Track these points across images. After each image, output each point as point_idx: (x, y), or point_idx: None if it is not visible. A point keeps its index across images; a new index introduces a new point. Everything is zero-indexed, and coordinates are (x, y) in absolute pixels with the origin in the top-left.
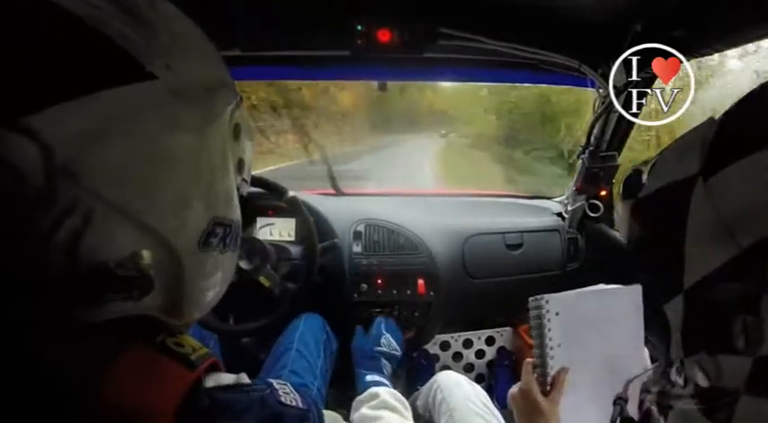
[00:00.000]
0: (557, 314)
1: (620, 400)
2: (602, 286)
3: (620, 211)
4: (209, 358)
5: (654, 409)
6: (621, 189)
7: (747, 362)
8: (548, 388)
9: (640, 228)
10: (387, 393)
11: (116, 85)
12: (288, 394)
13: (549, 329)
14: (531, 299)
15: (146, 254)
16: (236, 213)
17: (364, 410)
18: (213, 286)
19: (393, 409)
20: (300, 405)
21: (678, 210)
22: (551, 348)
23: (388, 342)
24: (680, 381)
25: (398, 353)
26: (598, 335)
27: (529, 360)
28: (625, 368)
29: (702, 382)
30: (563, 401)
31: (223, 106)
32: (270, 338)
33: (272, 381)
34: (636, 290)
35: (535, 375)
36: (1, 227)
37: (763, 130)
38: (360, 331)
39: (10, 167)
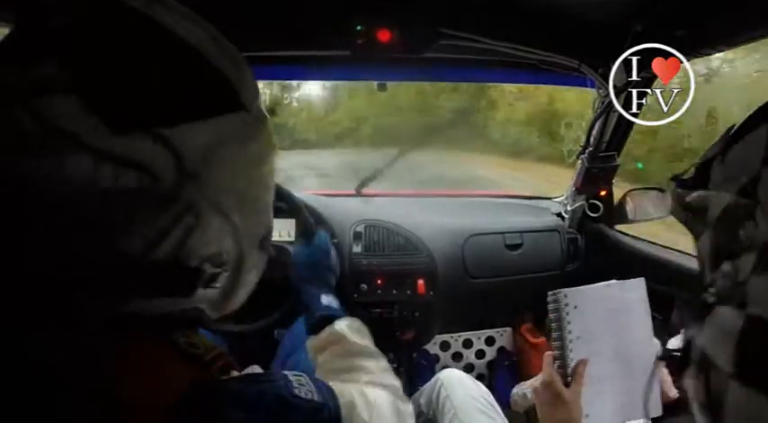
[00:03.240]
0: (575, 308)
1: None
2: (612, 281)
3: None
4: (223, 359)
5: (695, 334)
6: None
7: (753, 256)
8: (568, 380)
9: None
10: (350, 330)
11: (227, 112)
12: (303, 386)
13: (569, 323)
14: (549, 293)
15: (227, 252)
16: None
17: (331, 359)
18: (253, 282)
19: (364, 354)
20: (316, 399)
21: (705, 177)
22: (571, 341)
23: (334, 257)
24: (711, 299)
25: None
26: (612, 327)
27: (549, 353)
28: (638, 357)
29: (726, 282)
30: (582, 392)
31: (269, 125)
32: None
33: (287, 373)
34: (640, 282)
35: (556, 368)
36: (130, 220)
37: (759, 119)
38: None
39: (145, 170)
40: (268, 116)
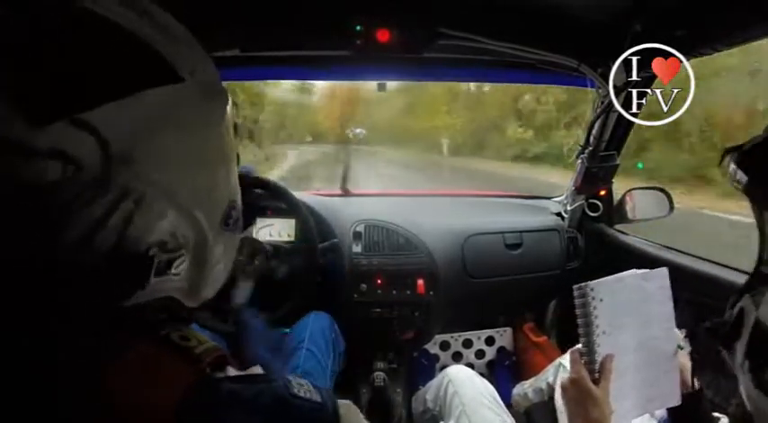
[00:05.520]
0: (601, 301)
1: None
2: (633, 271)
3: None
4: (216, 352)
5: (747, 306)
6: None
7: None
8: (596, 376)
9: (746, 171)
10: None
11: (156, 85)
12: (302, 386)
13: (596, 317)
14: (575, 287)
15: (182, 234)
16: (240, 198)
17: None
18: (225, 265)
19: None
20: (314, 398)
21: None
22: (598, 336)
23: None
24: None
25: None
26: (636, 318)
27: (575, 349)
28: (659, 348)
29: None
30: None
31: (227, 104)
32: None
33: (288, 376)
34: (663, 272)
35: (583, 364)
36: (54, 216)
37: None
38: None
39: (69, 159)
40: (224, 88)
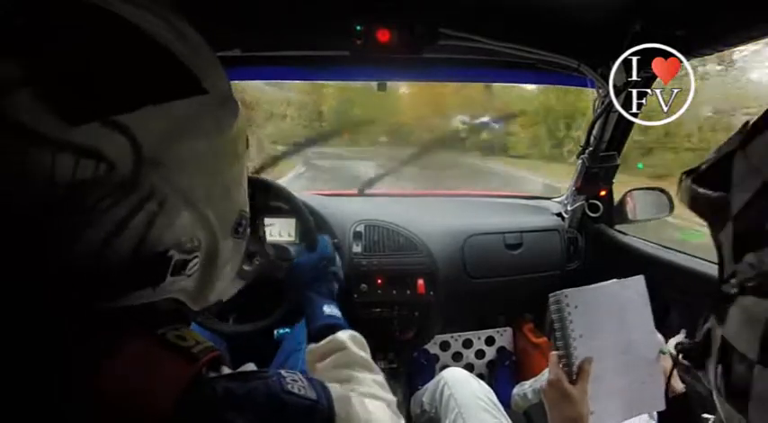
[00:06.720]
0: (576, 307)
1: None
2: (611, 281)
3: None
4: (212, 352)
5: (713, 325)
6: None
7: None
8: (574, 378)
9: (701, 190)
10: (352, 342)
11: (185, 96)
12: (296, 382)
13: (571, 322)
14: (550, 295)
15: (197, 237)
16: (248, 208)
17: (330, 368)
18: (232, 272)
19: (364, 366)
20: (309, 395)
21: (726, 170)
22: (574, 339)
23: (338, 263)
24: (733, 290)
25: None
26: (614, 324)
27: (554, 352)
28: (640, 352)
29: (749, 273)
30: (588, 389)
31: (238, 113)
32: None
33: (280, 370)
34: (639, 279)
35: (561, 367)
36: (82, 213)
37: None
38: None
39: (103, 159)
40: (237, 101)
